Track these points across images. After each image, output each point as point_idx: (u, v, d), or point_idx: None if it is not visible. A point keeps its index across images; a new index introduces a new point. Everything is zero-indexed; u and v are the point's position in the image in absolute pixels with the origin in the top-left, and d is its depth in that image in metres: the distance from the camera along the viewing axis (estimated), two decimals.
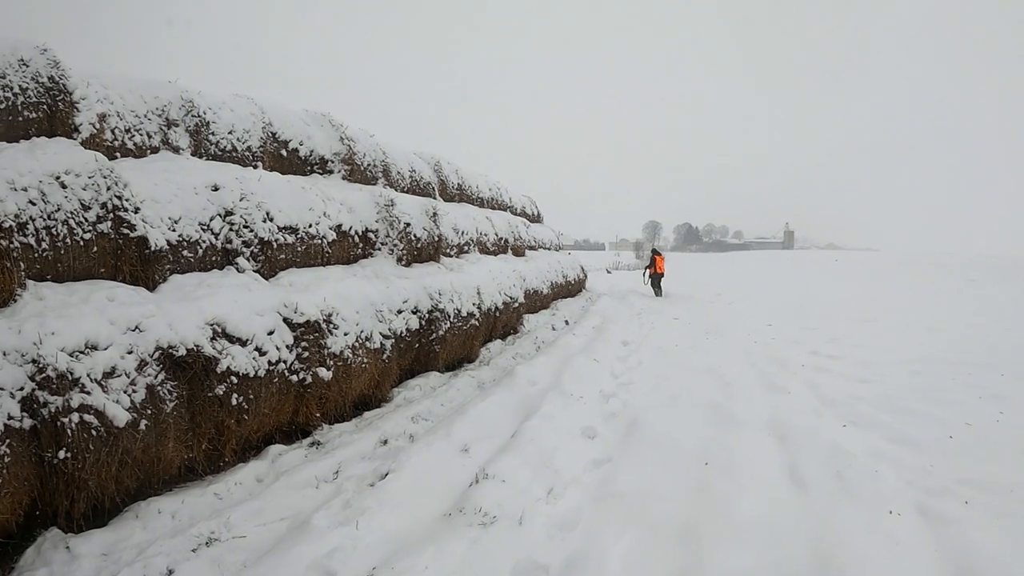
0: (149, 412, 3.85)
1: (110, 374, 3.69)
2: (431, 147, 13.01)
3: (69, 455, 3.39)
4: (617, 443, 5.07)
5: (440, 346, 7.54)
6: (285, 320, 5.11)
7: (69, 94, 5.00)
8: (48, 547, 3.32)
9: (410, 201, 8.23)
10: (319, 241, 6.37)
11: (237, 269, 5.30)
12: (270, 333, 4.88)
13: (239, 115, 7.01)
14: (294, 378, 5.07)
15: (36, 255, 3.94)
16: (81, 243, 4.18)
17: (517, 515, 3.68)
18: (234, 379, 4.48)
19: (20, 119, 4.66)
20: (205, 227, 5.17)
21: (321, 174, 8.11)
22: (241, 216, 5.39)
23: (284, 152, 7.70)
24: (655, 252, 19.53)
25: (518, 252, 13.96)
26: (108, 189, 4.32)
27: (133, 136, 5.67)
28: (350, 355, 5.70)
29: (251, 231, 5.46)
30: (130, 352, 3.85)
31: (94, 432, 3.49)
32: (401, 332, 6.78)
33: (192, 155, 6.27)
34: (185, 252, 4.97)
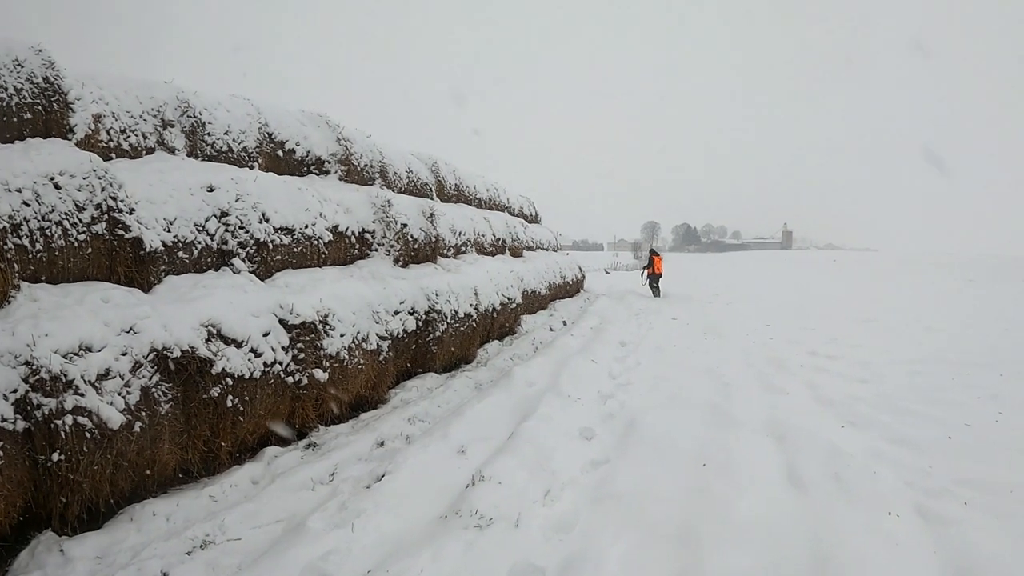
0: (143, 414, 3.82)
1: (104, 376, 3.67)
2: (430, 148, 13.00)
3: (63, 457, 3.37)
4: (615, 444, 5.05)
5: (437, 347, 7.52)
6: (281, 321, 5.08)
7: (64, 95, 4.98)
8: (42, 550, 3.30)
9: (407, 202, 8.21)
10: (315, 242, 6.35)
11: (233, 270, 5.28)
12: (266, 334, 4.86)
13: (235, 115, 6.99)
14: (290, 379, 5.04)
15: (30, 256, 3.91)
16: (76, 244, 4.15)
17: (514, 517, 3.66)
18: (229, 381, 4.45)
19: (15, 120, 4.63)
20: (200, 228, 5.15)
21: (318, 175, 8.09)
22: (237, 217, 5.37)
23: (280, 153, 7.68)
24: (653, 252, 19.53)
25: (516, 253, 13.94)
26: (103, 190, 4.30)
27: (128, 137, 5.65)
28: (346, 356, 5.68)
29: (247, 232, 5.44)
30: (124, 354, 3.83)
31: (88, 434, 3.47)
32: (398, 333, 6.76)
33: (188, 156, 6.25)
34: (180, 253, 4.95)
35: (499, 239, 12.52)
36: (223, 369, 4.41)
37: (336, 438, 5.33)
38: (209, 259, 5.23)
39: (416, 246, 8.12)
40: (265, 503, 3.96)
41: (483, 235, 11.57)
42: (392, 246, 7.59)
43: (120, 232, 4.36)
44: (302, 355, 5.17)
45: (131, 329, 3.96)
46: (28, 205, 3.91)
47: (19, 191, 3.88)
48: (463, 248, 10.37)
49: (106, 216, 4.30)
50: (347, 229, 6.93)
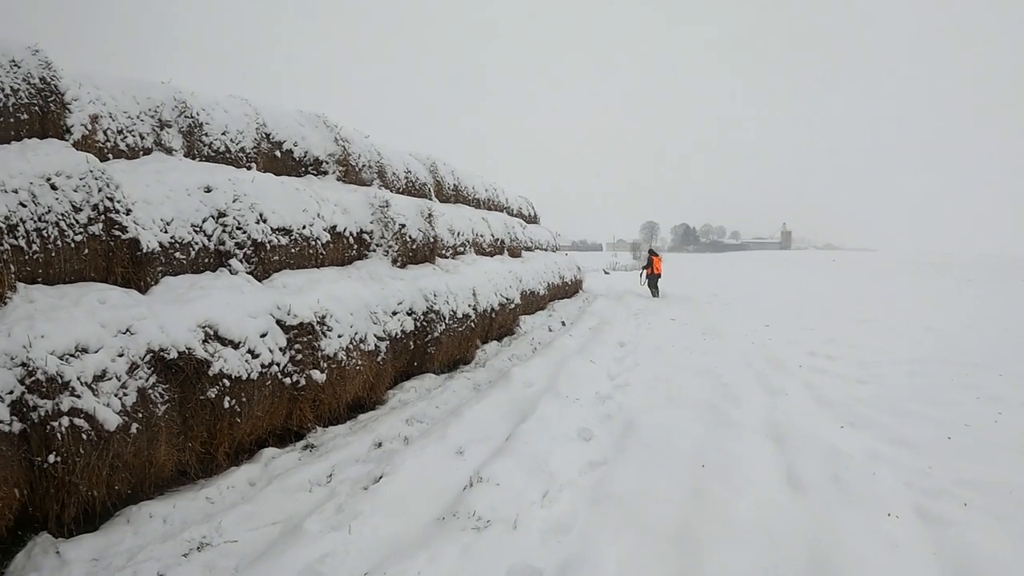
0: (140, 415, 3.81)
1: (100, 377, 3.65)
2: (429, 148, 12.99)
3: (59, 459, 3.36)
4: (613, 445, 5.04)
5: (435, 348, 7.51)
6: (278, 322, 5.07)
7: (61, 95, 4.97)
8: (38, 552, 3.29)
9: (405, 202, 8.20)
10: (313, 243, 6.34)
11: (230, 271, 5.26)
12: (263, 335, 4.85)
13: (233, 116, 6.98)
14: (287, 380, 5.03)
15: (26, 257, 3.90)
16: (72, 245, 4.14)
17: (511, 519, 3.64)
18: (226, 382, 4.44)
19: (11, 120, 4.63)
20: (198, 229, 5.13)
21: (316, 175, 8.08)
22: (234, 217, 5.36)
23: (278, 153, 7.66)
24: (652, 253, 19.53)
25: (514, 253, 13.93)
26: (99, 191, 4.29)
27: (126, 137, 5.63)
28: (344, 357, 5.66)
29: (244, 233, 5.42)
30: (121, 355, 3.82)
31: (84, 436, 3.46)
32: (396, 334, 6.75)
33: (185, 156, 6.24)
34: (177, 254, 4.93)
35: (498, 239, 12.50)
36: (220, 370, 4.40)
37: (334, 439, 5.32)
38: (206, 260, 5.21)
39: (414, 247, 8.11)
40: (262, 505, 3.94)
41: (482, 235, 11.55)
42: (390, 247, 7.58)
43: (117, 233, 4.35)
44: (300, 356, 5.16)
45: (128, 330, 3.95)
46: (24, 206, 3.90)
47: (15, 192, 3.87)
48: (461, 249, 10.36)
49: (103, 217, 4.28)
50: (345, 230, 6.92)
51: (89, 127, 5.21)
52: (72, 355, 3.57)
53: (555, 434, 5.16)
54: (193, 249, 5.07)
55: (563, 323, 12.67)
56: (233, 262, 5.31)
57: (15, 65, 4.71)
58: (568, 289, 17.77)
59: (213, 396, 4.34)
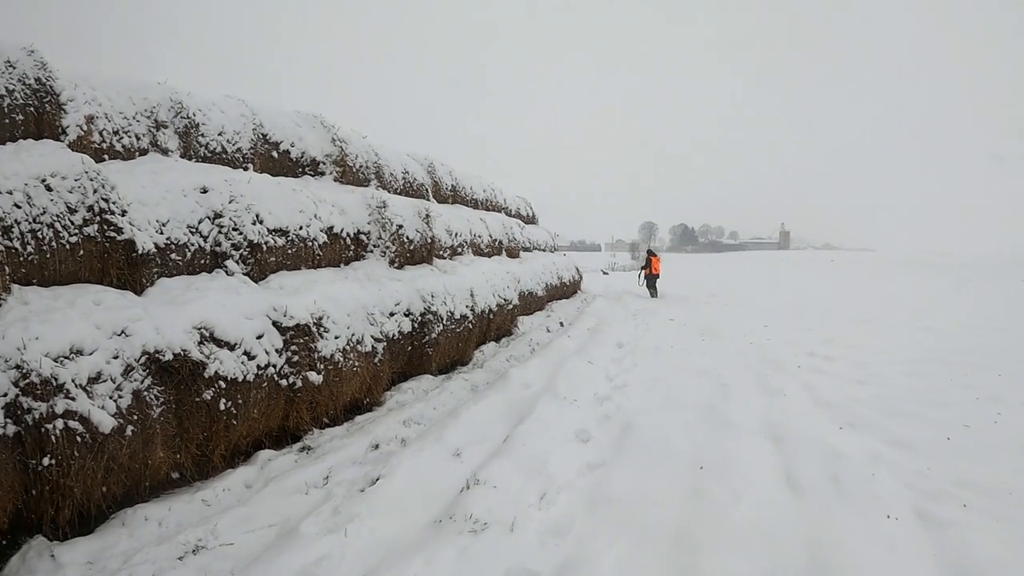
0: (135, 418, 3.79)
1: (95, 379, 3.63)
2: (430, 148, 12.97)
3: (54, 462, 3.34)
4: (611, 447, 5.02)
5: (433, 349, 7.48)
6: (275, 324, 5.05)
7: (56, 96, 4.95)
8: (33, 555, 3.27)
9: (403, 203, 8.18)
10: (310, 243, 6.31)
11: (226, 272, 5.24)
12: (259, 337, 4.82)
13: (229, 116, 6.96)
14: (284, 382, 5.01)
15: (21, 259, 3.88)
16: (67, 246, 4.12)
17: (509, 521, 3.63)
18: (222, 384, 4.42)
19: (6, 121, 4.60)
20: (194, 230, 5.11)
21: (313, 176, 8.05)
22: (230, 218, 5.33)
23: (275, 154, 7.64)
24: (650, 253, 19.55)
25: (512, 253, 13.91)
26: (95, 192, 4.27)
27: (121, 138, 5.61)
28: (341, 359, 5.64)
29: (240, 234, 5.40)
30: (116, 357, 3.80)
31: (79, 438, 3.43)
32: (393, 335, 6.73)
33: (181, 157, 6.21)
34: (173, 255, 4.91)
35: (496, 240, 12.49)
36: (216, 372, 4.37)
37: (331, 441, 5.30)
38: (202, 261, 5.19)
39: (412, 247, 8.09)
40: (258, 507, 3.92)
41: (480, 236, 11.54)
42: (387, 247, 7.56)
43: (112, 234, 4.32)
44: (296, 357, 5.14)
45: (123, 332, 3.93)
46: (19, 207, 3.88)
47: (10, 193, 3.85)
48: (459, 249, 10.34)
49: (98, 218, 4.26)
50: (342, 230, 6.90)
51: (85, 128, 5.18)
52: (67, 357, 3.55)
53: (553, 435, 5.14)
54: (189, 250, 5.05)
55: (561, 324, 12.65)
56: (229, 263, 5.29)
57: (10, 66, 4.69)
58: (566, 290, 17.75)
59: (209, 398, 4.32)
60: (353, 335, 5.91)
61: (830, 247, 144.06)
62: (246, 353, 4.66)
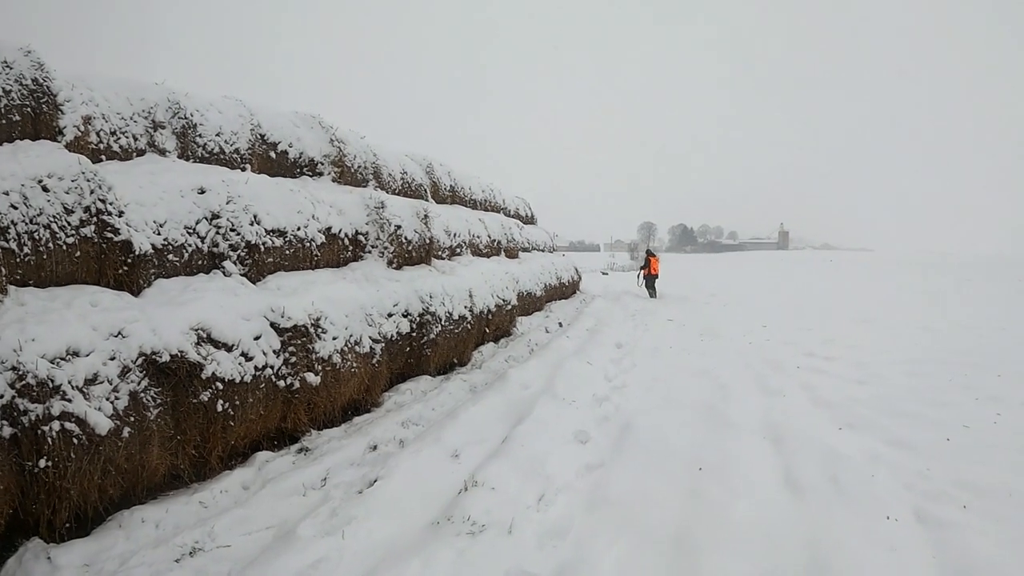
0: (132, 419, 3.77)
1: (92, 381, 3.61)
2: (430, 149, 12.97)
3: (50, 464, 3.32)
4: (610, 448, 5.01)
5: (431, 349, 7.47)
6: (272, 325, 5.03)
7: (53, 96, 4.93)
8: (29, 557, 3.25)
9: (401, 203, 8.16)
10: (308, 244, 6.30)
11: (224, 273, 5.23)
12: (257, 338, 4.81)
13: (227, 117, 6.94)
14: (281, 383, 4.99)
15: (17, 260, 3.86)
16: (64, 247, 4.10)
17: (507, 523, 3.61)
18: (220, 385, 4.40)
19: (3, 122, 4.58)
20: (191, 230, 5.09)
21: (311, 176, 8.04)
22: (228, 219, 5.32)
23: (273, 154, 7.63)
24: (649, 253, 19.56)
25: (511, 254, 13.90)
26: (91, 192, 4.25)
27: (119, 139, 5.60)
28: (339, 360, 5.63)
29: (238, 234, 5.38)
30: (113, 358, 3.78)
31: (76, 440, 3.41)
32: (391, 336, 6.71)
33: (179, 158, 6.19)
34: (170, 256, 4.90)
35: (494, 240, 12.48)
36: (213, 373, 4.36)
37: (328, 442, 5.28)
38: (200, 262, 5.17)
39: (410, 248, 8.08)
40: (256, 509, 3.91)
41: (478, 236, 11.53)
42: (386, 248, 7.55)
43: (109, 235, 4.31)
44: (294, 359, 5.12)
45: (120, 333, 3.91)
46: (16, 208, 3.86)
47: (7, 194, 3.83)
48: (458, 250, 10.33)
49: (95, 219, 4.25)
50: (340, 231, 6.88)
51: (82, 128, 5.17)
52: (63, 358, 3.53)
53: (552, 436, 5.13)
54: (186, 251, 5.04)
55: (560, 324, 12.65)
56: (227, 264, 5.27)
57: (7, 66, 4.67)
58: (565, 290, 17.75)
59: (206, 399, 4.30)
60: (351, 336, 5.90)
61: (829, 247, 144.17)
62: (243, 354, 4.65)
